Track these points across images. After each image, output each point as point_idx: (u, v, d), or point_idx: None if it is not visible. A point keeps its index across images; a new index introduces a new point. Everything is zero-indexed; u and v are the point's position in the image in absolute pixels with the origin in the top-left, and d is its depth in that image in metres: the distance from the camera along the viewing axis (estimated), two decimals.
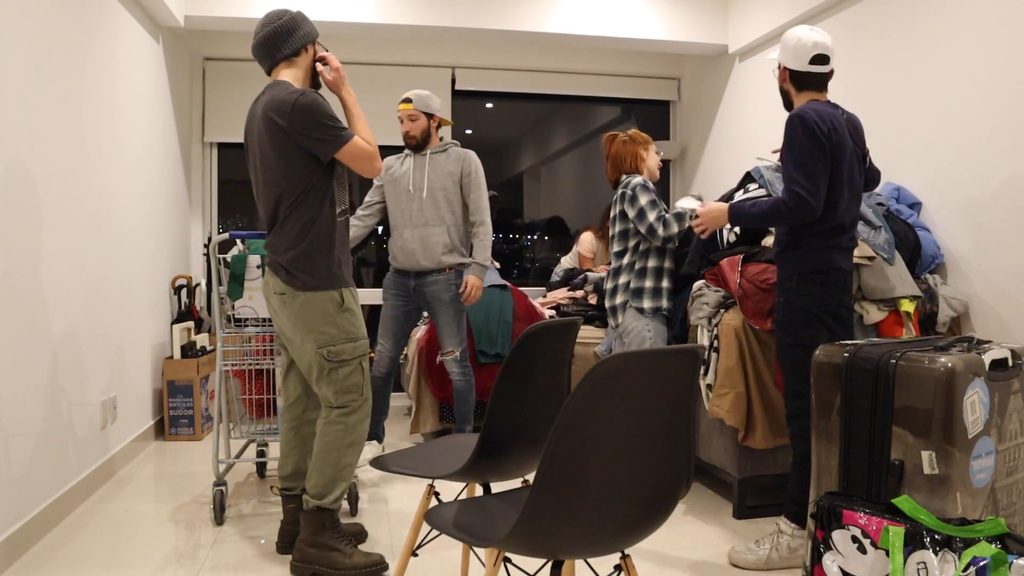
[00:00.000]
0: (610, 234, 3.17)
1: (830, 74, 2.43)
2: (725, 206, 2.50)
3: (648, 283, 3.08)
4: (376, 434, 3.75)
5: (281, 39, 2.38)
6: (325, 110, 2.31)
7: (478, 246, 3.50)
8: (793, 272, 2.40)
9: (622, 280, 3.09)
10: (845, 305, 2.42)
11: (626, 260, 3.10)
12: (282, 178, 2.32)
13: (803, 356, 2.39)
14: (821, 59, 2.37)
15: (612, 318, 3.16)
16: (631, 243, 3.09)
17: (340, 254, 2.43)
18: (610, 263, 3.22)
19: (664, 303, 3.09)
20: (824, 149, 2.29)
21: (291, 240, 2.35)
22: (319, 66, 2.49)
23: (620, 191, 3.12)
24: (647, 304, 3.07)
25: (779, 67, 2.48)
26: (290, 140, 2.29)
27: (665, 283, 3.10)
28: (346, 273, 2.45)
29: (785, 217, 2.31)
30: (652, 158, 3.23)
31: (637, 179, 3.09)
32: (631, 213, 3.05)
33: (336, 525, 2.41)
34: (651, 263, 3.10)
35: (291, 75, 2.41)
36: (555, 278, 4.85)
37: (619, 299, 3.08)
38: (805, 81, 2.42)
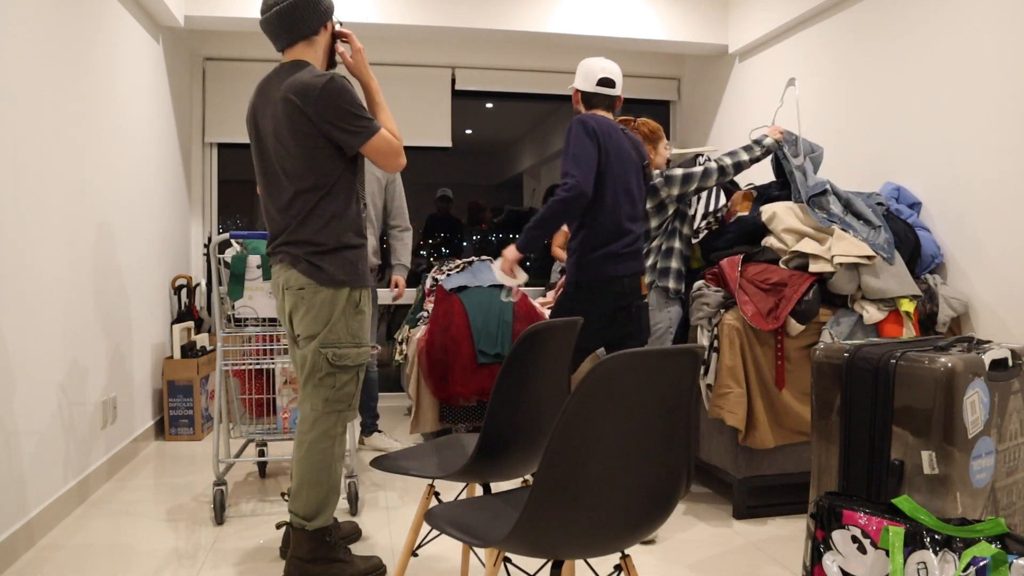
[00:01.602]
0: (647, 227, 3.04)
1: (618, 99, 2.77)
2: (514, 251, 2.66)
3: (674, 264, 3.01)
4: (374, 426, 3.90)
5: (302, 14, 2.18)
6: (354, 98, 2.14)
7: (404, 249, 3.82)
8: (572, 280, 2.68)
9: (648, 262, 3.00)
10: (623, 306, 2.68)
11: (654, 243, 3.01)
12: (304, 169, 2.17)
13: (577, 355, 2.73)
14: (607, 82, 2.73)
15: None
16: (655, 225, 3.01)
17: (364, 251, 2.30)
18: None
19: (682, 287, 3.04)
20: (594, 143, 2.58)
21: (317, 235, 2.20)
22: (339, 46, 2.29)
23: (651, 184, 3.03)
24: (672, 284, 2.99)
25: (573, 91, 2.81)
26: (313, 128, 2.14)
27: (684, 267, 3.06)
28: (367, 271, 2.32)
29: (562, 210, 2.52)
30: (661, 156, 3.14)
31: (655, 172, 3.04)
32: (674, 191, 2.95)
33: (332, 535, 2.32)
34: (677, 244, 3.03)
35: (311, 55, 2.23)
36: (554, 277, 4.85)
37: (645, 279, 2.94)
38: (593, 101, 2.76)
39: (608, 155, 2.61)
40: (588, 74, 2.74)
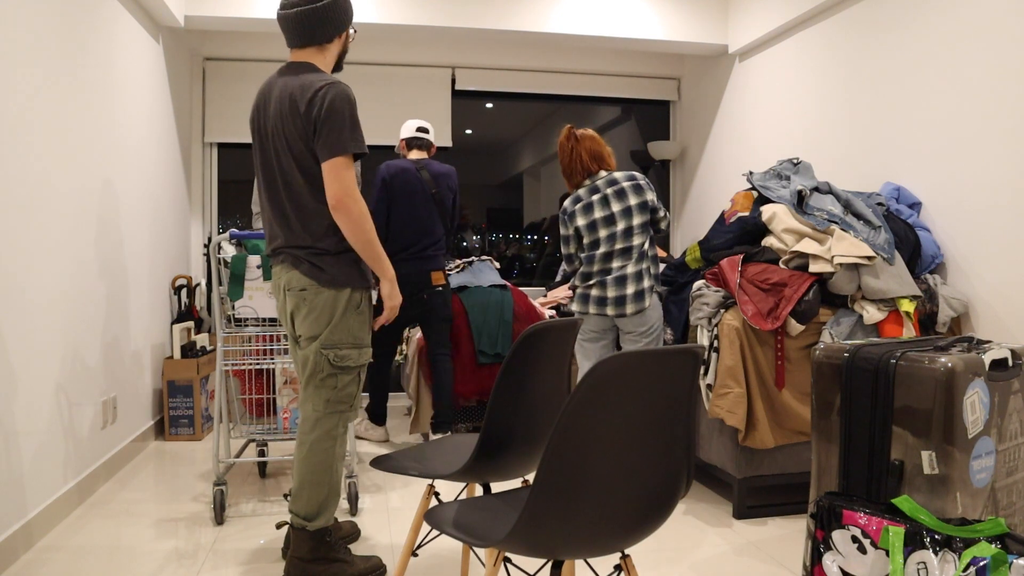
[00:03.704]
0: (625, 225, 3.06)
1: (431, 143, 3.89)
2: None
3: (656, 270, 3.15)
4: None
5: (324, 21, 2.19)
6: (352, 109, 2.13)
7: None
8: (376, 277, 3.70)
9: (644, 266, 3.09)
10: (414, 292, 3.73)
11: (647, 249, 3.11)
12: (305, 170, 2.17)
13: (390, 328, 3.90)
14: (423, 129, 3.88)
15: (632, 303, 3.04)
16: (644, 230, 3.09)
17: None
18: (608, 252, 3.13)
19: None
20: (384, 191, 3.73)
21: (319, 237, 2.20)
22: None
23: (631, 183, 3.10)
24: (661, 289, 3.18)
25: (400, 143, 3.89)
26: (308, 129, 2.13)
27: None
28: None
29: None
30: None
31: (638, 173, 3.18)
32: (653, 198, 3.12)
33: (331, 535, 2.32)
34: (656, 252, 3.17)
35: (320, 60, 2.24)
36: (557, 278, 4.86)
37: (646, 283, 3.07)
38: (412, 144, 3.86)
39: (395, 193, 3.71)
40: (409, 126, 3.87)
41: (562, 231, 3.20)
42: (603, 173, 3.15)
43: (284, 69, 2.24)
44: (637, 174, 3.16)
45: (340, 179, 2.12)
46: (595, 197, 3.10)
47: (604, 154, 3.19)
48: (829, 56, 3.86)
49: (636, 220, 3.07)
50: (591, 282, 3.10)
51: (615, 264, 3.08)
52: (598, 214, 3.08)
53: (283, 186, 2.22)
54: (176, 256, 4.60)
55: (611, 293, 3.06)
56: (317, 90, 2.12)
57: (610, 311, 3.06)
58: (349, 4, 2.25)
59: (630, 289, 3.05)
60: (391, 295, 2.30)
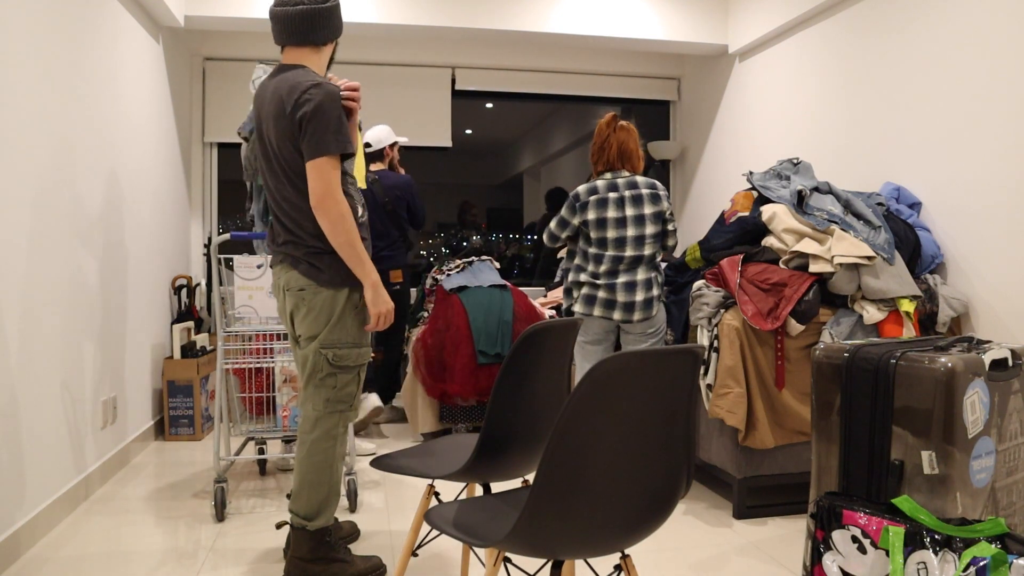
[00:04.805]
0: (636, 233, 3.05)
1: (384, 150, 4.18)
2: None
3: (662, 278, 3.15)
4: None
5: (323, 21, 2.21)
6: (338, 110, 2.13)
7: None
8: None
9: (653, 274, 3.09)
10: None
11: (657, 260, 3.12)
12: (297, 170, 2.19)
13: None
14: (367, 144, 4.13)
15: (641, 311, 3.04)
16: (655, 240, 3.08)
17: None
18: (620, 257, 3.10)
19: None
20: None
21: (317, 237, 2.21)
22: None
23: (651, 191, 3.08)
24: (664, 299, 3.20)
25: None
26: (292, 129, 2.14)
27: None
28: None
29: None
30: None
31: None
32: (668, 210, 3.12)
33: (331, 535, 2.33)
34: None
35: (314, 61, 2.26)
36: (558, 277, 4.86)
37: (655, 291, 3.08)
38: (367, 158, 4.18)
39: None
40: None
41: (565, 214, 3.11)
42: (626, 173, 3.11)
43: (276, 71, 2.25)
44: (657, 183, 3.14)
45: (322, 179, 2.13)
46: (612, 195, 3.04)
47: (633, 155, 3.15)
48: (829, 56, 3.86)
49: (649, 229, 3.04)
50: (598, 283, 3.06)
51: (623, 268, 3.04)
52: (611, 214, 3.03)
53: (281, 186, 2.24)
54: (176, 256, 4.60)
55: (621, 298, 3.03)
56: (304, 91, 2.13)
57: (616, 316, 3.03)
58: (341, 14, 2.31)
59: (639, 296, 3.03)
60: (375, 301, 2.24)
